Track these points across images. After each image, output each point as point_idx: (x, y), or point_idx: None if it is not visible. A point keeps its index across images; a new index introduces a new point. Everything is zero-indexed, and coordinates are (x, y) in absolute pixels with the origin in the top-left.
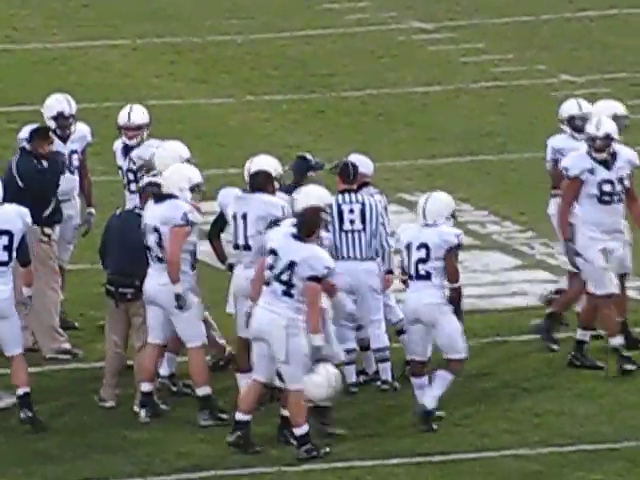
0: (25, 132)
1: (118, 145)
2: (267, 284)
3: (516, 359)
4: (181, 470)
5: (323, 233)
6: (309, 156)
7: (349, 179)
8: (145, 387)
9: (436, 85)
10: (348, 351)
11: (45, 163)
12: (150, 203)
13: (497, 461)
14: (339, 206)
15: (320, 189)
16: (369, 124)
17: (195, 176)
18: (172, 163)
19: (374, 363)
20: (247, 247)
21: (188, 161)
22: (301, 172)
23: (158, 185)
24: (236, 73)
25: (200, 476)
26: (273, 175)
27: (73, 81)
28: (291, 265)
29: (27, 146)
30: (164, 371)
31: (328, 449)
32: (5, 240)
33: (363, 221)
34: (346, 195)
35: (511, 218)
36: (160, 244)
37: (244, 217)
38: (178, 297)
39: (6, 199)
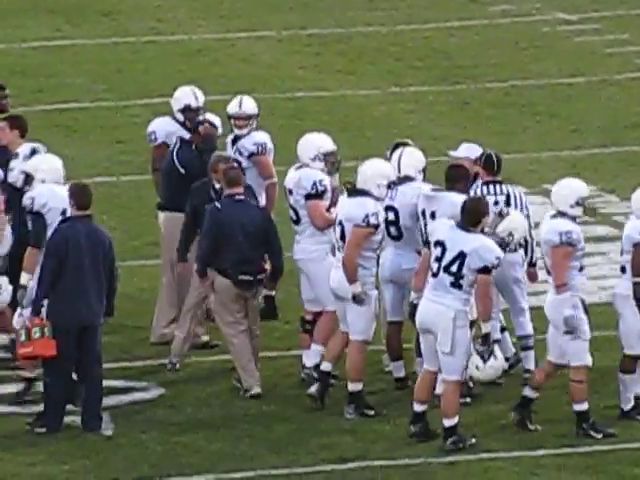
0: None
1: (229, 137)
2: (434, 275)
3: None
4: (326, 461)
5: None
6: (410, 142)
7: (493, 170)
8: (351, 387)
9: (580, 76)
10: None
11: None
12: (344, 196)
13: None
14: (483, 197)
15: None
16: (513, 115)
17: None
18: (309, 154)
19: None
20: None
21: (332, 153)
22: None
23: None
24: (381, 64)
25: (345, 467)
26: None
27: (217, 73)
28: (460, 256)
29: (186, 136)
30: (309, 362)
31: (474, 440)
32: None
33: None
34: (490, 186)
35: None
36: (343, 238)
37: (433, 215)
38: (354, 297)
39: (168, 188)
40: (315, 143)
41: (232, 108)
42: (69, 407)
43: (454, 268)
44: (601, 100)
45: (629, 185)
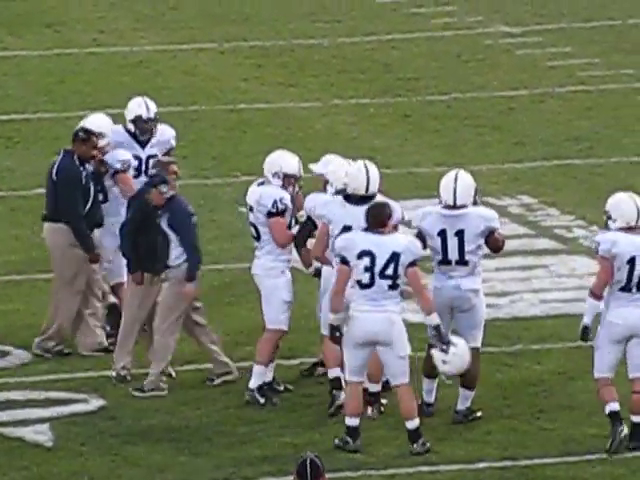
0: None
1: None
2: (367, 286)
3: None
4: (267, 474)
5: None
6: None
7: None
8: (372, 388)
9: (523, 89)
10: None
11: (82, 165)
12: (347, 206)
13: (582, 465)
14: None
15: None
16: (455, 128)
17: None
18: (271, 170)
19: None
20: (464, 262)
21: (292, 176)
22: None
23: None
24: (323, 77)
25: None
26: None
27: (160, 84)
28: (394, 256)
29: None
30: (253, 384)
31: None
32: None
33: None
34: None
35: (598, 223)
36: None
37: (459, 234)
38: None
39: (51, 199)
40: (279, 161)
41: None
42: (7, 418)
43: (390, 271)
44: (543, 113)
45: (570, 198)
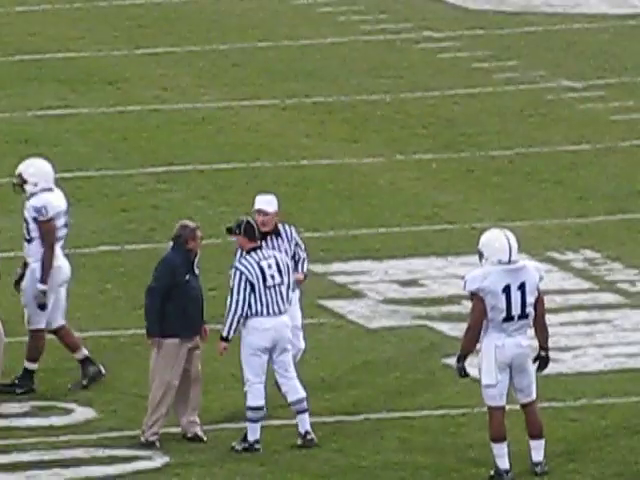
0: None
1: None
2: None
3: None
4: None
5: None
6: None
7: (255, 237)
8: None
9: (585, 144)
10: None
11: None
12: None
13: None
14: (258, 263)
15: None
16: (518, 183)
17: None
18: None
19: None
20: (525, 316)
21: None
22: None
23: None
24: (385, 132)
25: None
26: None
27: (222, 141)
28: None
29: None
30: None
31: None
32: None
33: (280, 274)
34: (259, 252)
35: None
36: None
37: (522, 287)
38: None
39: None
40: None
41: None
42: (72, 475)
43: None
44: (606, 167)
45: (634, 253)
